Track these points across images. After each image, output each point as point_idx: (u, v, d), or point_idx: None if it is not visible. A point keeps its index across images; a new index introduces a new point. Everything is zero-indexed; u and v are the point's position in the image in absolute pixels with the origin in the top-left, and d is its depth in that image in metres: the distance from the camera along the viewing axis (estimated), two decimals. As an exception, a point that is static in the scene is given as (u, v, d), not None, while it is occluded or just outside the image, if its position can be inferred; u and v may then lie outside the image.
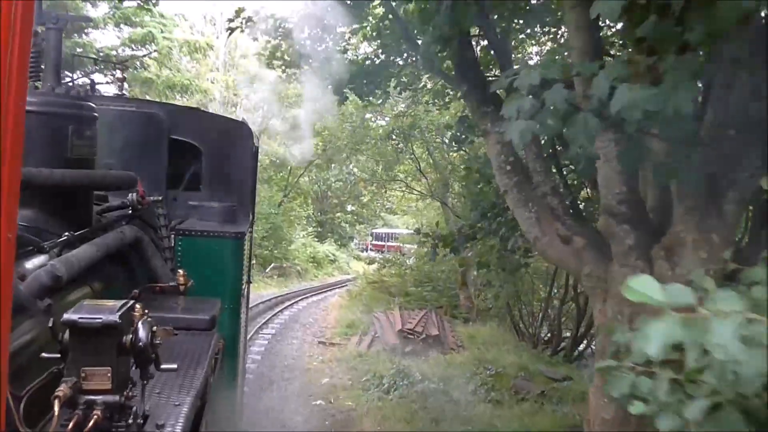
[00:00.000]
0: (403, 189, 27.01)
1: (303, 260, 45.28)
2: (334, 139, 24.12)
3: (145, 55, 25.67)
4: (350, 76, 13.21)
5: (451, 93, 16.16)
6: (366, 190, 57.60)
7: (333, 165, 37.19)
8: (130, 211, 4.92)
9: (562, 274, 22.50)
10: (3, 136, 1.12)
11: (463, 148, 21.69)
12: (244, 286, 6.60)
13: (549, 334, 23.76)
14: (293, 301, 28.89)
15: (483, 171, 13.12)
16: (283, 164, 38.09)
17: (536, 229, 7.88)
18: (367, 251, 67.74)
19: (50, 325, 2.26)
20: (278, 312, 24.94)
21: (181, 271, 4.66)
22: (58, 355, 2.27)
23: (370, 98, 14.37)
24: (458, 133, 13.22)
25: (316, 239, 51.58)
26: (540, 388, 13.82)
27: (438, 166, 24.85)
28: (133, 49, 25.14)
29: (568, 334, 23.18)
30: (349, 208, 63.48)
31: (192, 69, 33.43)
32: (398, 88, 14.95)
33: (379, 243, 67.34)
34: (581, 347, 21.66)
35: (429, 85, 16.70)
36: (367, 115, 25.81)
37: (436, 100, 16.60)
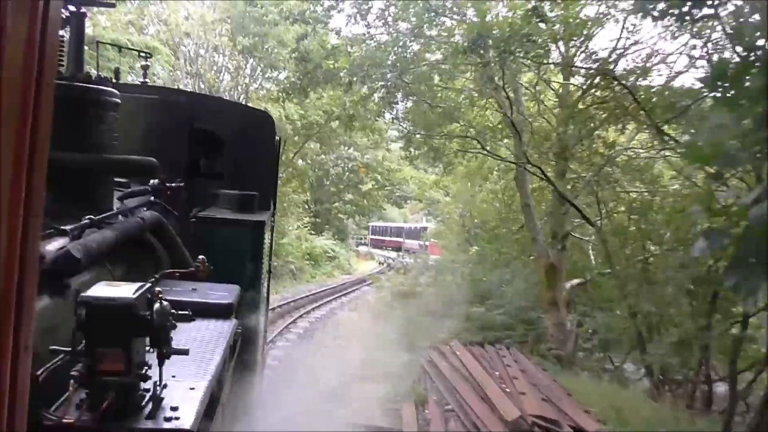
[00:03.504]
0: (473, 151, 17.56)
1: (297, 257, 36.57)
2: (371, 69, 14.92)
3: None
4: None
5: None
6: (367, 177, 49.88)
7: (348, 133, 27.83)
8: (152, 197, 4.97)
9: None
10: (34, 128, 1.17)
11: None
12: (264, 276, 6.53)
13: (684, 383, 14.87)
14: (289, 321, 19.82)
15: None
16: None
17: None
18: (368, 247, 61.36)
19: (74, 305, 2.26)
20: (267, 344, 15.76)
21: (200, 257, 4.22)
22: (68, 349, 2.23)
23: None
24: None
25: (311, 232, 42.85)
26: None
27: (521, 120, 15.65)
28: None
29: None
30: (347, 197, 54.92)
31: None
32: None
33: (377, 237, 61.88)
34: None
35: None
36: (415, 46, 16.61)
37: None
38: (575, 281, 18.03)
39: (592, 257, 20.14)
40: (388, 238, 61.51)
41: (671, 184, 16.23)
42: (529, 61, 13.20)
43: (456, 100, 16.57)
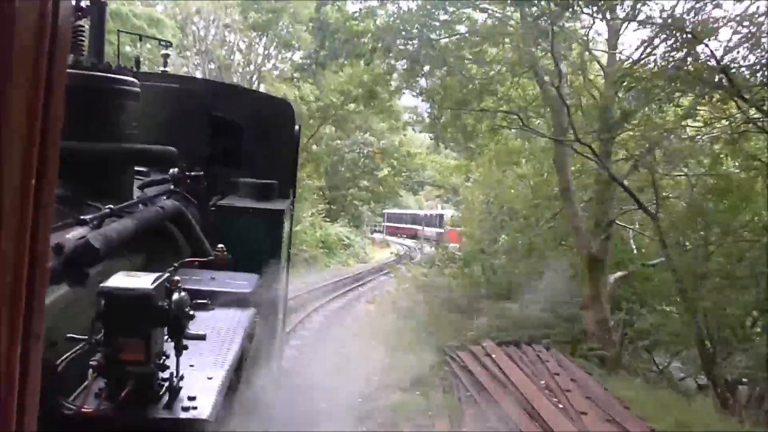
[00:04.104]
0: (513, 128, 15.73)
1: (312, 245, 35.09)
2: (396, 34, 13.23)
3: None
4: None
5: None
6: (383, 163, 48.44)
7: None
8: (172, 186, 4.95)
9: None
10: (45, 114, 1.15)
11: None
12: (283, 265, 6.43)
13: None
14: (303, 315, 18.32)
15: None
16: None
17: None
18: (383, 234, 59.98)
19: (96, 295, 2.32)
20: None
21: (220, 246, 4.05)
22: (85, 337, 2.27)
23: None
24: None
25: (326, 219, 41.45)
26: None
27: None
28: None
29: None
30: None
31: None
32: None
33: (393, 225, 60.58)
34: None
35: None
36: (443, 16, 14.86)
37: None
38: (618, 274, 16.33)
39: (633, 247, 18.45)
40: (403, 225, 60.29)
41: (730, 166, 14.47)
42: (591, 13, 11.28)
43: (490, 72, 14.70)
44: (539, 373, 11.30)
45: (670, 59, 10.59)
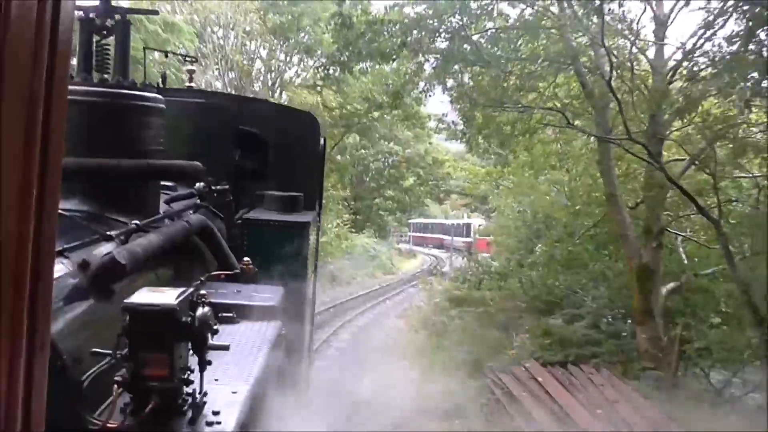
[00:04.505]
0: (556, 125, 14.50)
1: (337, 257, 34.14)
2: (429, 24, 12.14)
3: None
4: None
5: None
6: (409, 172, 47.50)
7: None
8: (198, 200, 5.01)
9: None
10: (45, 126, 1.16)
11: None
12: (310, 277, 6.42)
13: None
14: (329, 332, 17.24)
15: None
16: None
17: None
18: (409, 244, 59.10)
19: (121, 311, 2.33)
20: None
21: (246, 259, 4.58)
22: (109, 351, 2.26)
23: None
24: None
25: (352, 230, 40.60)
26: None
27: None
28: None
29: None
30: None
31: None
32: None
33: (419, 235, 59.73)
34: None
35: None
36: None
37: None
38: (671, 285, 14.95)
39: (683, 255, 17.03)
40: (429, 235, 59.51)
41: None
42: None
43: (529, 66, 13.48)
44: (594, 399, 10.06)
45: (738, 41, 9.37)
